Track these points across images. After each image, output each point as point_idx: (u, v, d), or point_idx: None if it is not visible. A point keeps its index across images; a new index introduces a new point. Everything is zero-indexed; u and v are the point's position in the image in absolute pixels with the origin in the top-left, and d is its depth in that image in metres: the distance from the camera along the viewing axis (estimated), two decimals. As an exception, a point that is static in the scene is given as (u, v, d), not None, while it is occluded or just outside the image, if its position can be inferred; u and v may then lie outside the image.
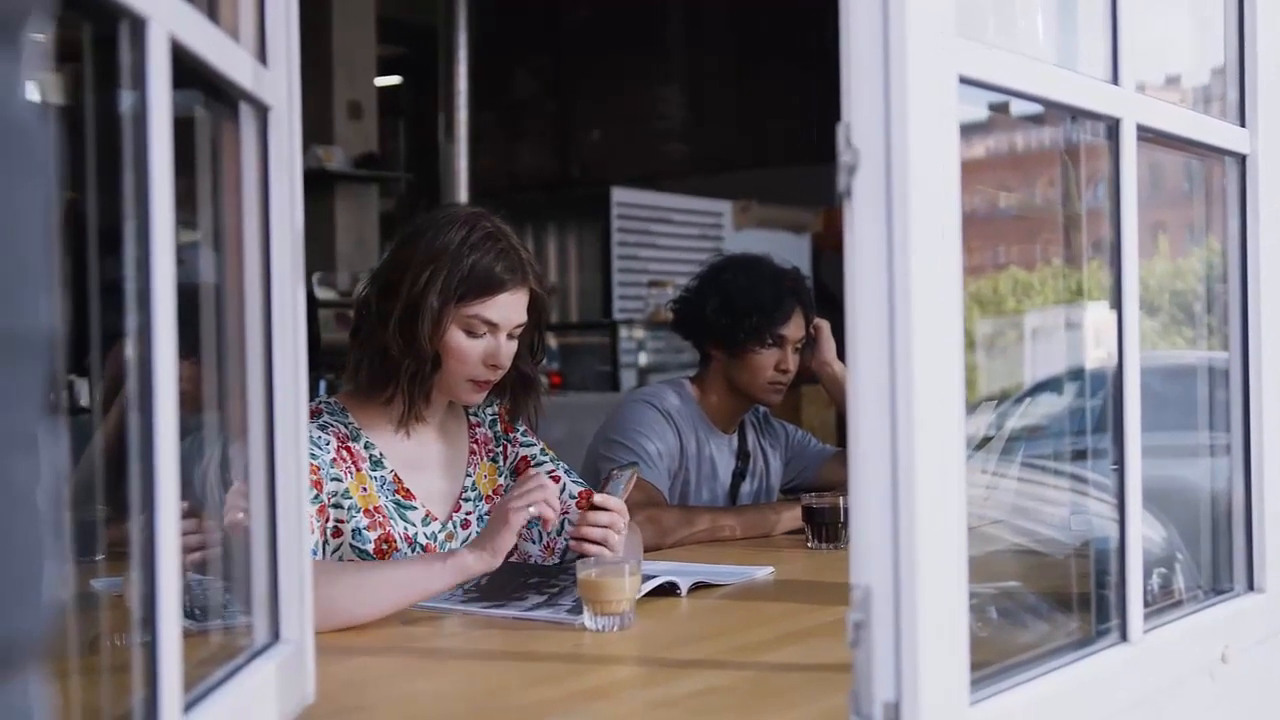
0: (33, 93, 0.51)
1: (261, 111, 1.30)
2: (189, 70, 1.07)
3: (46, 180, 0.50)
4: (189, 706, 1.05)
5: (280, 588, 1.33)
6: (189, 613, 1.17)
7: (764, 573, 2.27)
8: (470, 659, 1.72)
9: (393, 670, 1.66)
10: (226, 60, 1.17)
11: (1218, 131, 1.71)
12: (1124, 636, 1.45)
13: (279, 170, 1.32)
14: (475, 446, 2.29)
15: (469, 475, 2.25)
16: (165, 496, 0.97)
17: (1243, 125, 1.74)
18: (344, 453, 2.09)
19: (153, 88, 0.97)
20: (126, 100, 0.97)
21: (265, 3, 1.32)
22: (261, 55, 1.31)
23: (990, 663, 1.26)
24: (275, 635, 1.33)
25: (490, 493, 2.27)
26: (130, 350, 0.97)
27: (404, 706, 1.49)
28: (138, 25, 0.96)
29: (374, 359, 2.12)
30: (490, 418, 2.33)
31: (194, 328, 1.24)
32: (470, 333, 2.11)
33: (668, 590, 2.03)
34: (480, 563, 1.89)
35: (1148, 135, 1.51)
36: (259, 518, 1.32)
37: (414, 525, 2.13)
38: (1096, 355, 1.79)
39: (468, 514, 2.23)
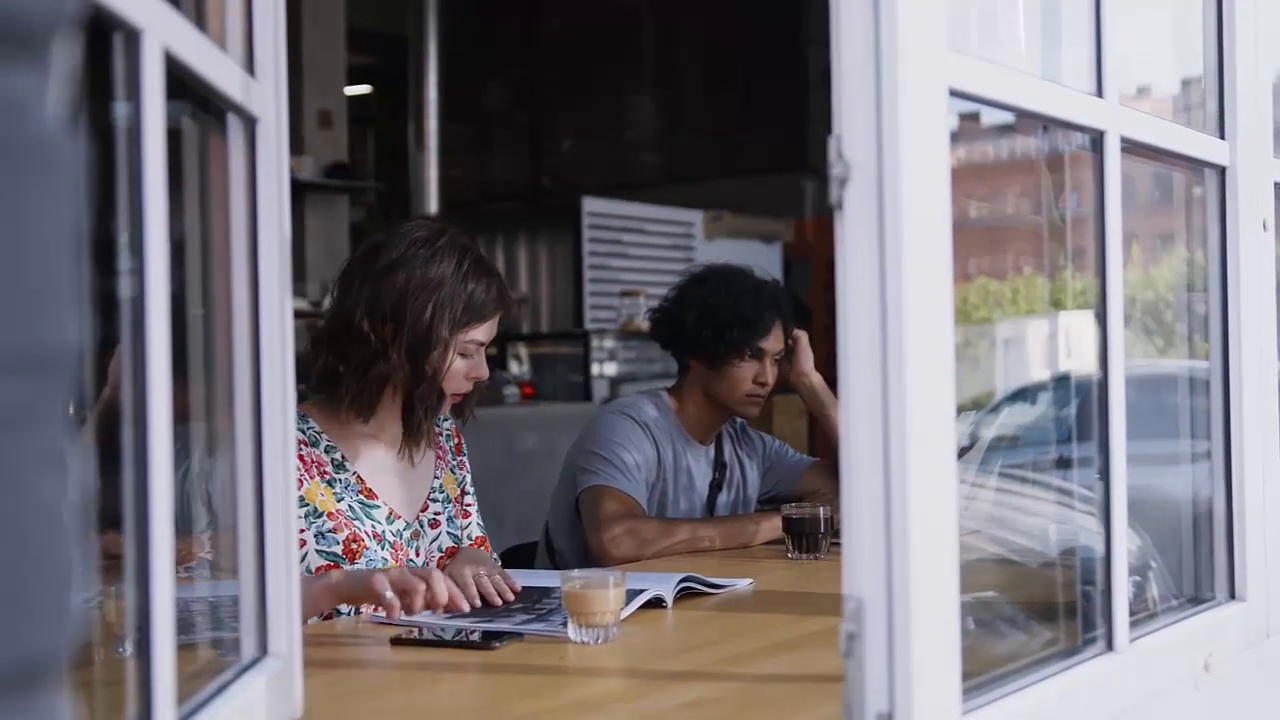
0: (59, 108, 0.51)
1: (250, 123, 1.30)
2: (179, 81, 1.06)
3: (74, 195, 0.50)
4: (181, 723, 1.04)
5: (268, 603, 1.32)
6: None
7: (743, 584, 2.27)
8: (457, 673, 1.71)
9: (381, 685, 1.65)
10: (217, 72, 1.16)
11: (1198, 143, 1.72)
12: (1110, 646, 1.45)
13: (267, 182, 1.32)
14: (440, 451, 2.36)
15: (436, 477, 2.32)
16: (159, 512, 0.96)
17: (1222, 137, 1.75)
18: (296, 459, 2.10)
19: (147, 99, 0.96)
20: (119, 110, 0.97)
21: (253, 14, 1.31)
22: (249, 67, 1.30)
23: (980, 673, 1.26)
24: (263, 650, 1.32)
25: (453, 498, 2.35)
26: (125, 361, 0.96)
27: (391, 720, 1.48)
28: (132, 37, 0.95)
29: (370, 382, 2.13)
30: (446, 431, 2.39)
31: (180, 339, 1.23)
32: (464, 355, 2.20)
33: (653, 602, 2.03)
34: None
35: (1130, 147, 1.52)
36: (247, 533, 1.31)
37: (379, 523, 2.17)
38: (1070, 364, 1.80)
39: (436, 514, 2.29)
